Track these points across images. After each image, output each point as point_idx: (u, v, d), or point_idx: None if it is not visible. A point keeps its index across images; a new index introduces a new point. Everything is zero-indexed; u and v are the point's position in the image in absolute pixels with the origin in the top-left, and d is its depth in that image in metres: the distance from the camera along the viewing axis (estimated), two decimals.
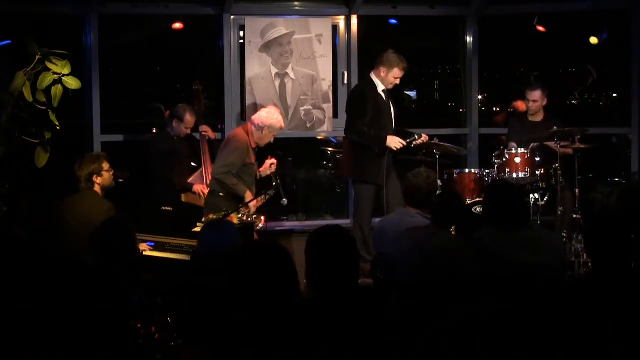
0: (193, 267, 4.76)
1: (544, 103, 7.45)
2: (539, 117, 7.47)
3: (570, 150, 7.04)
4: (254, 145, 6.51)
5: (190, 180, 6.91)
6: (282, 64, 7.62)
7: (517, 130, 7.52)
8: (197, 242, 4.31)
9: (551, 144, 7.09)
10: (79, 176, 5.80)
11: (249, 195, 6.30)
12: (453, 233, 5.00)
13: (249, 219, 6.19)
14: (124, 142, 7.49)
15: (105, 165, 5.86)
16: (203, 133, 7.01)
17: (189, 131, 6.97)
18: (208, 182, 6.75)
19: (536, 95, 7.40)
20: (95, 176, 5.80)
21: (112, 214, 5.54)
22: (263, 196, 6.39)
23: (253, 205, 6.27)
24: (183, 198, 6.84)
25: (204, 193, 6.73)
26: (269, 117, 6.47)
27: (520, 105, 8.46)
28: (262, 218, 6.29)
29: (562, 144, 6.96)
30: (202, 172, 6.90)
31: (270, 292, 3.06)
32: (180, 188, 6.85)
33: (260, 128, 6.45)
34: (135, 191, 7.07)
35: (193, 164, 7.05)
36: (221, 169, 6.42)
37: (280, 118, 6.57)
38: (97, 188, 5.82)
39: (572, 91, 8.88)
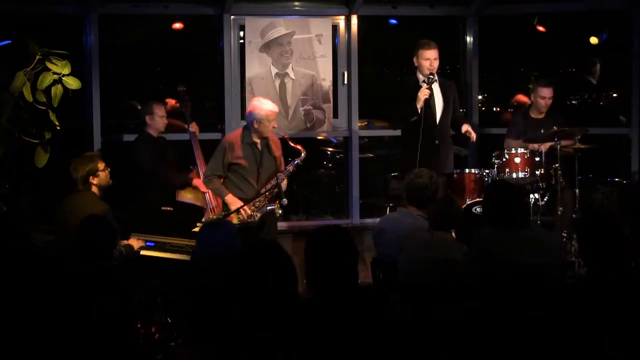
0: (192, 267, 4.76)
1: (552, 100, 7.43)
2: (542, 114, 7.44)
3: (570, 150, 7.03)
4: (247, 142, 6.30)
5: (189, 175, 6.88)
6: (282, 64, 7.62)
7: (520, 125, 7.48)
8: (196, 242, 4.31)
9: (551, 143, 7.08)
10: (75, 178, 5.78)
11: (230, 199, 6.24)
12: (453, 235, 4.99)
13: (258, 212, 6.19)
14: (123, 142, 7.48)
15: (101, 165, 5.83)
16: (192, 129, 6.90)
17: (163, 121, 6.84)
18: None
19: (549, 92, 7.36)
20: (91, 177, 5.78)
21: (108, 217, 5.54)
22: (264, 196, 6.31)
23: (249, 207, 6.21)
24: (180, 195, 6.79)
25: (202, 188, 6.70)
26: (252, 109, 6.27)
27: (523, 98, 8.44)
28: (276, 204, 6.25)
29: (562, 143, 6.95)
30: (197, 170, 6.86)
31: (269, 292, 3.06)
32: (180, 184, 6.78)
33: (251, 123, 6.34)
34: (134, 191, 7.05)
35: (191, 167, 7.02)
36: (203, 177, 6.42)
37: (262, 105, 6.29)
38: (94, 189, 5.80)
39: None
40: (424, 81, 6.68)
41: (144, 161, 6.75)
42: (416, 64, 6.81)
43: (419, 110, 6.55)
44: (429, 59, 6.70)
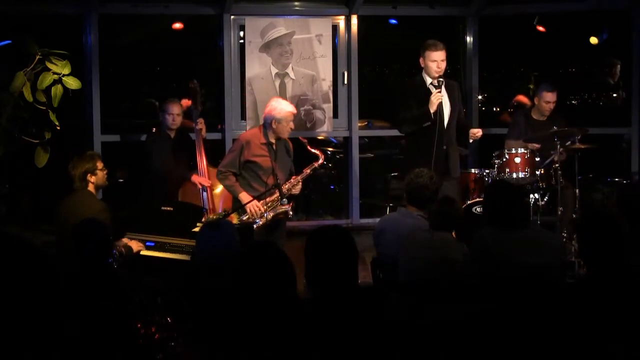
0: (192, 267, 4.76)
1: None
2: (545, 117, 7.44)
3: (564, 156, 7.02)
4: (263, 141, 6.36)
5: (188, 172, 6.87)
6: (282, 64, 7.63)
7: (520, 126, 7.47)
8: (195, 242, 4.31)
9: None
10: (73, 175, 5.80)
11: (243, 197, 6.28)
12: (453, 235, 4.99)
13: (273, 211, 6.21)
14: (123, 142, 7.49)
15: (99, 164, 5.85)
16: (199, 127, 6.89)
17: (177, 120, 6.86)
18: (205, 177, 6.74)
19: (554, 97, 7.35)
20: (89, 175, 5.79)
21: (105, 215, 5.54)
22: (268, 198, 6.29)
23: (254, 206, 6.22)
24: (181, 194, 6.78)
25: (201, 185, 6.70)
26: (271, 110, 6.38)
27: (523, 99, 8.44)
28: (290, 205, 6.28)
29: (561, 144, 6.95)
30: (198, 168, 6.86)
31: (268, 293, 3.06)
32: (180, 179, 6.78)
33: (269, 124, 6.39)
34: (134, 191, 7.06)
35: (192, 163, 7.01)
36: (218, 173, 6.44)
37: (282, 106, 6.34)
38: (91, 187, 5.81)
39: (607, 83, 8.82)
40: (431, 84, 6.47)
41: (150, 158, 6.81)
42: (422, 65, 6.56)
43: (432, 116, 6.36)
44: (436, 60, 6.46)
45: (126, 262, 5.49)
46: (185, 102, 7.12)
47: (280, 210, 6.31)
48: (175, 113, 6.86)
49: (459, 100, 6.82)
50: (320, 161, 6.45)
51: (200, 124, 6.90)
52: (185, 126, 7.17)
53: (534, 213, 6.98)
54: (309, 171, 6.45)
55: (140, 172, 6.90)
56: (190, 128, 7.06)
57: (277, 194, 6.27)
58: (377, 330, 3.08)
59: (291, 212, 6.39)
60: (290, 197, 6.37)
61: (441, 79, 6.46)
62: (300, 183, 6.42)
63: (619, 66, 8.52)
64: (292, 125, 6.39)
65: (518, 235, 4.51)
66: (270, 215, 6.28)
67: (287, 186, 6.31)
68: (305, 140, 6.48)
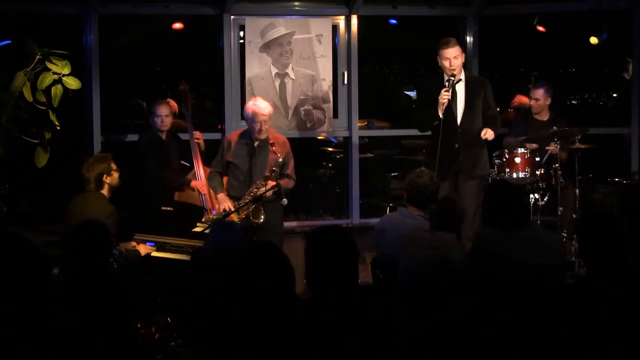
0: (197, 264, 4.76)
1: (547, 102, 7.43)
2: (545, 117, 7.46)
3: (564, 155, 7.03)
4: (243, 140, 6.31)
5: (187, 177, 6.83)
6: (282, 64, 7.62)
7: (520, 125, 7.49)
8: (207, 239, 4.30)
9: (551, 147, 7.07)
10: (88, 177, 5.75)
11: (221, 198, 6.26)
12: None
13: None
14: (123, 142, 7.48)
15: (113, 165, 5.86)
16: (196, 140, 6.79)
17: (167, 122, 6.76)
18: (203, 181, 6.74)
19: (538, 93, 7.40)
20: (105, 176, 5.78)
21: (112, 220, 5.53)
22: (249, 199, 6.20)
23: (225, 201, 6.23)
24: (177, 196, 6.75)
25: (200, 190, 6.67)
26: (245, 107, 6.37)
27: (523, 99, 8.45)
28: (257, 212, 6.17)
29: (561, 144, 6.96)
30: (194, 172, 6.82)
31: (268, 293, 3.06)
32: (178, 184, 6.71)
33: None
34: (134, 191, 7.06)
35: (183, 162, 6.99)
36: (209, 172, 6.45)
37: (253, 102, 6.26)
38: (106, 188, 5.80)
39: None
40: (447, 80, 6.38)
41: (144, 161, 6.77)
42: (440, 65, 6.49)
43: (440, 115, 6.30)
44: (448, 58, 6.37)
45: (127, 262, 5.49)
46: (174, 105, 7.09)
47: (250, 211, 6.13)
48: (163, 114, 6.74)
49: (489, 98, 6.62)
50: (280, 160, 6.14)
51: (198, 138, 6.81)
52: (176, 127, 7.14)
53: (534, 213, 6.98)
54: (267, 173, 6.14)
55: (138, 173, 6.88)
56: (181, 128, 7.04)
57: (248, 199, 6.15)
58: (377, 330, 3.08)
59: (262, 218, 6.12)
60: (260, 200, 6.14)
61: (452, 78, 6.38)
62: (265, 186, 6.08)
63: (631, 65, 8.54)
64: (262, 126, 6.20)
65: (518, 235, 4.50)
66: (237, 216, 6.18)
67: (252, 188, 6.16)
68: (272, 142, 6.30)
